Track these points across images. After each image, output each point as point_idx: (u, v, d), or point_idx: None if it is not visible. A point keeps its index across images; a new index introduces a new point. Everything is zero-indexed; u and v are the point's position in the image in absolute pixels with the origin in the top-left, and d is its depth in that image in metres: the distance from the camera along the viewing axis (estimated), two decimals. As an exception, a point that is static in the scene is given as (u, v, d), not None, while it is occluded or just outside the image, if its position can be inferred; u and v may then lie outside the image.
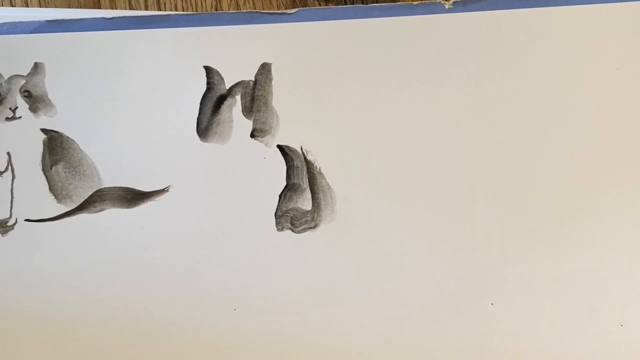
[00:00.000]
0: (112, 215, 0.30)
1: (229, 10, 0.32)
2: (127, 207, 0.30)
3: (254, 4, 0.36)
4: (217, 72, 0.31)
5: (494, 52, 0.32)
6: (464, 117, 0.31)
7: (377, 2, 0.38)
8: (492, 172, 0.31)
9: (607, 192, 0.31)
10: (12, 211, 0.30)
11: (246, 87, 0.32)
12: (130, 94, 0.31)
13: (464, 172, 0.31)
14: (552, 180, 0.31)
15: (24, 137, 0.31)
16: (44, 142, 0.31)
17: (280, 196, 0.31)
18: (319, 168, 0.31)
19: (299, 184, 0.31)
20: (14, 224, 0.30)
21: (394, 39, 0.32)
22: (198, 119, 0.31)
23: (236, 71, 0.31)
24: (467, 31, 0.32)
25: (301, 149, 0.31)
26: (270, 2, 0.37)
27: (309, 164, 0.31)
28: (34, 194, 0.30)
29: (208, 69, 0.31)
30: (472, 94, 0.32)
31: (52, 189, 0.30)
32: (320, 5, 0.38)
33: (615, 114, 0.31)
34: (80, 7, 0.32)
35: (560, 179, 0.31)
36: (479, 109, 0.31)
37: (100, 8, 0.33)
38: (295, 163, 0.31)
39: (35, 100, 0.31)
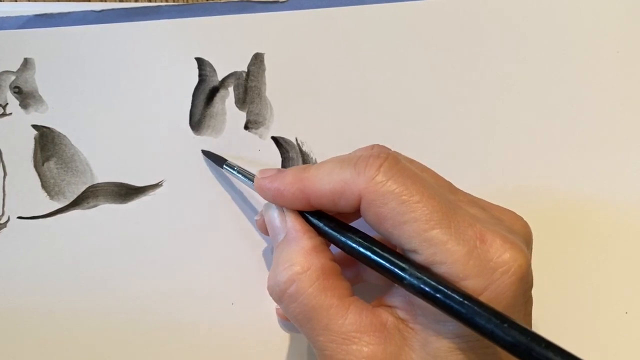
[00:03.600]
0: (106, 211, 0.30)
1: (219, 0, 0.32)
2: (121, 203, 0.30)
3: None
4: (209, 64, 0.31)
5: (493, 37, 0.31)
6: (463, 105, 0.31)
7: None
8: (493, 162, 0.30)
9: (611, 184, 0.30)
10: (5, 209, 0.30)
11: (239, 78, 0.31)
12: (122, 88, 0.31)
13: (463, 161, 0.30)
14: (556, 175, 0.30)
15: (14, 133, 0.30)
16: (35, 138, 0.30)
17: (275, 188, 0.30)
18: (315, 159, 0.30)
19: (295, 176, 0.30)
20: (7, 221, 0.29)
21: (387, 26, 0.31)
22: (191, 111, 0.31)
23: (228, 62, 0.31)
24: (463, 15, 0.31)
25: (296, 140, 0.31)
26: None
27: (304, 156, 0.30)
28: (26, 191, 0.30)
29: (200, 61, 0.31)
30: (471, 81, 0.31)
31: (44, 185, 0.30)
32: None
33: (616, 95, 0.31)
34: (69, 0, 0.32)
35: (564, 173, 0.30)
36: (478, 96, 0.31)
37: (89, 0, 0.32)
38: (290, 155, 0.31)
39: (25, 96, 0.30)
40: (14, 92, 0.30)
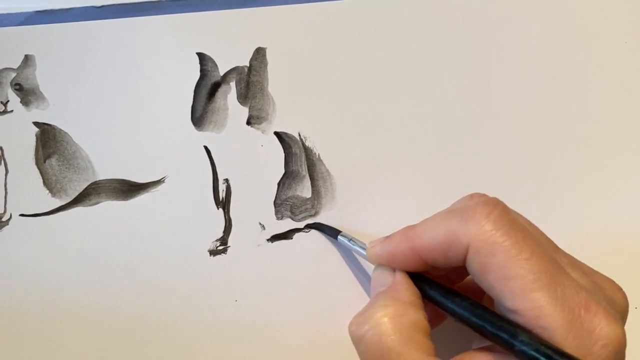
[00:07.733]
0: (108, 208, 0.30)
1: (221, -6, 0.31)
2: (123, 199, 0.30)
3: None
4: (211, 59, 0.31)
5: (497, 28, 0.31)
6: (467, 100, 0.30)
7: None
8: (493, 163, 0.30)
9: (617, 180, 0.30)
10: (7, 206, 0.29)
11: (241, 73, 0.31)
12: (123, 84, 0.30)
13: (464, 157, 0.30)
14: (556, 170, 0.30)
15: (16, 130, 0.30)
16: (36, 135, 0.30)
17: (279, 184, 0.30)
18: (318, 154, 0.30)
19: (298, 171, 0.30)
20: (9, 219, 0.29)
21: (390, 20, 0.31)
22: (192, 107, 0.30)
23: (230, 57, 0.31)
24: (468, 7, 0.31)
25: (299, 135, 0.30)
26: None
27: (307, 151, 0.30)
28: (28, 188, 0.30)
29: (201, 56, 0.31)
30: (477, 76, 0.31)
31: (46, 182, 0.30)
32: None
33: (623, 85, 0.30)
34: (70, -4, 0.32)
35: (570, 170, 0.30)
36: (483, 90, 0.30)
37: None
38: (293, 150, 0.30)
39: (26, 93, 0.30)
40: (15, 89, 0.30)
